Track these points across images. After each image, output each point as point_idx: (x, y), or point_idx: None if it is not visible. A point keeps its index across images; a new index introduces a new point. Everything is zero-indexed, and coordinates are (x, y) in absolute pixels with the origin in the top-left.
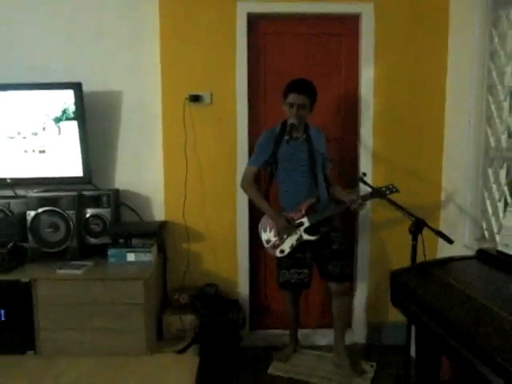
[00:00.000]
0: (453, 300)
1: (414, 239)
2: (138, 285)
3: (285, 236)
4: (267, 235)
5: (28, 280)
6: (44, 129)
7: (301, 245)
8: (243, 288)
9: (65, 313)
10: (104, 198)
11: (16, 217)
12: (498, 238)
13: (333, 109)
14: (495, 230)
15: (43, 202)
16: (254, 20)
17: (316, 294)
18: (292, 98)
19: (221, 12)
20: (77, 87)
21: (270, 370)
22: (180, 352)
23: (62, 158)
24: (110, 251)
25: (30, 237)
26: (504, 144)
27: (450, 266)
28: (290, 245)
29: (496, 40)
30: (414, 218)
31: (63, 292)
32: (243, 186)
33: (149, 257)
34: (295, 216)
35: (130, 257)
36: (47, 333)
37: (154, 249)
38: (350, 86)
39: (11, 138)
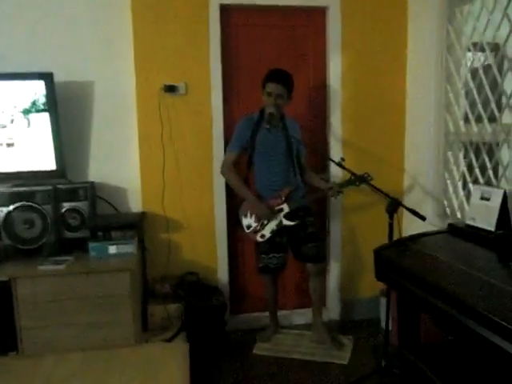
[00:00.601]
0: (434, 267)
1: (391, 218)
2: (125, 276)
3: (265, 222)
4: (248, 221)
5: (7, 279)
6: (12, 121)
7: (279, 230)
8: (222, 275)
9: (48, 310)
10: (80, 191)
11: None
12: (458, 214)
13: (303, 98)
14: (456, 207)
15: (16, 197)
16: (226, 11)
17: (291, 276)
18: (270, 87)
19: (194, 2)
20: (48, 77)
21: (255, 351)
22: (169, 340)
23: (33, 151)
24: (92, 245)
25: (3, 234)
26: (462, 129)
27: (425, 240)
28: (270, 230)
29: (452, 34)
30: (390, 199)
31: (45, 289)
32: (223, 172)
33: (131, 248)
34: (275, 202)
35: (112, 249)
36: (30, 332)
37: (135, 240)
38: (319, 77)
39: None
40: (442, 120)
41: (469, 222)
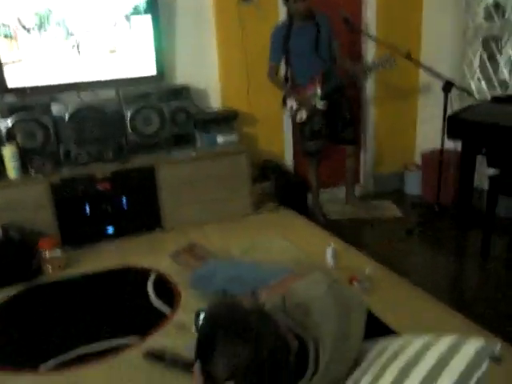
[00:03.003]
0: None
1: (446, 97)
2: (242, 158)
3: (302, 106)
4: (291, 102)
5: (151, 165)
6: (115, 25)
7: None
8: (289, 161)
9: (183, 191)
10: (184, 92)
11: (114, 114)
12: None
13: None
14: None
15: (138, 97)
16: None
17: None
18: None
19: None
20: None
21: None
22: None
23: (134, 56)
24: (204, 136)
25: (129, 131)
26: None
27: (479, 107)
28: (307, 112)
29: None
30: (445, 80)
31: (181, 173)
32: (269, 79)
33: (234, 137)
34: (310, 88)
35: (220, 139)
36: (170, 210)
37: (236, 131)
38: None
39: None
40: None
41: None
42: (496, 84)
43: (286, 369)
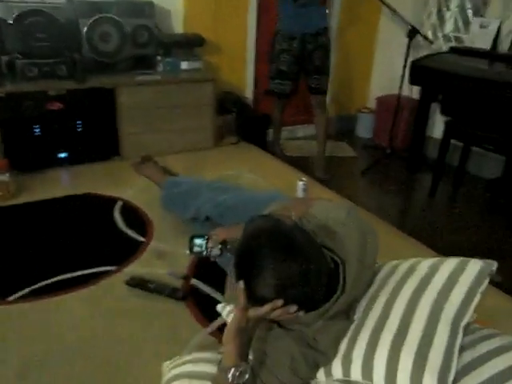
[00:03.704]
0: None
1: (409, 43)
2: (208, 86)
3: None
4: None
5: (112, 87)
6: None
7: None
8: (249, 93)
9: (145, 117)
10: (146, 8)
11: (69, 24)
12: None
13: None
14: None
15: (95, 8)
16: None
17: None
18: None
19: None
20: None
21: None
22: (235, 143)
23: None
24: (166, 60)
25: (86, 46)
26: None
27: (439, 57)
28: None
29: None
30: (410, 26)
31: (143, 97)
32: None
33: (198, 64)
34: None
35: (184, 65)
36: (130, 137)
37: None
38: None
39: None
40: None
41: (468, 44)
42: (440, 37)
43: (326, 287)
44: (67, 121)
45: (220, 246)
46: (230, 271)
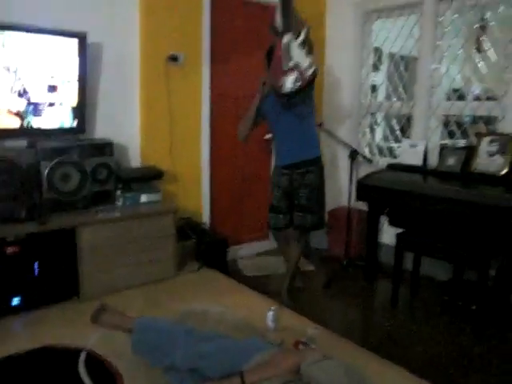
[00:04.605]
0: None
1: (352, 163)
2: (169, 218)
3: None
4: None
5: (71, 227)
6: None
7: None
8: (206, 217)
9: (106, 254)
10: (107, 148)
11: (29, 168)
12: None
13: None
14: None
15: (57, 152)
16: None
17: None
18: None
19: None
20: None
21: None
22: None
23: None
24: (127, 195)
25: (46, 187)
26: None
27: (379, 174)
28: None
29: None
30: (352, 148)
31: (104, 234)
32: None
33: (158, 197)
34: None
35: (143, 198)
36: (91, 276)
37: (160, 190)
38: None
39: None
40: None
41: (401, 161)
42: (375, 150)
43: None
44: (22, 264)
45: None
46: None
